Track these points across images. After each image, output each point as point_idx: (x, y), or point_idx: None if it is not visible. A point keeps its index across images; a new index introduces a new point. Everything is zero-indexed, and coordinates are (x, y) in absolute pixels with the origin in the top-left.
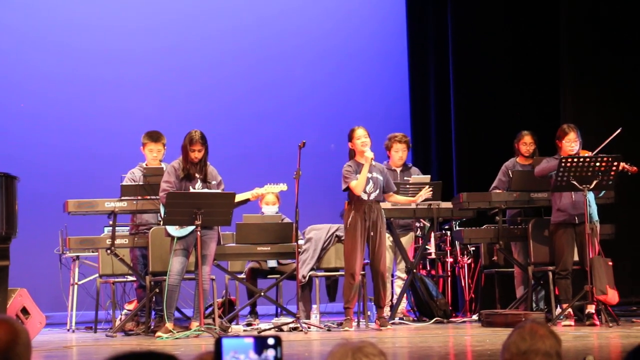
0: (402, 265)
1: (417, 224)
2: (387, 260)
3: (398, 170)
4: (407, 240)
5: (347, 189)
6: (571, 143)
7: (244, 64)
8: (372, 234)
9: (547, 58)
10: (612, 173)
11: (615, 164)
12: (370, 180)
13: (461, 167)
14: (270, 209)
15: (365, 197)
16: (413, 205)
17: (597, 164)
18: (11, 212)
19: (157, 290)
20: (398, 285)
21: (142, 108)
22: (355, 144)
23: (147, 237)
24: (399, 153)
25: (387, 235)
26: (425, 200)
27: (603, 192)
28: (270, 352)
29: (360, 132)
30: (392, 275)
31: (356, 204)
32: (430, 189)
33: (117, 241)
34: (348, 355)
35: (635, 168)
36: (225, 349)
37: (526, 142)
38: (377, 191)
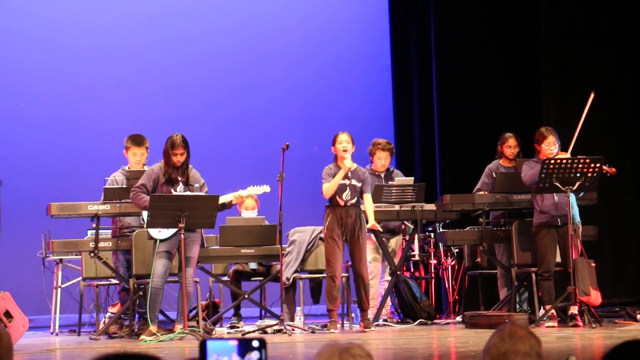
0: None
1: (402, 227)
2: (377, 265)
3: (382, 175)
4: (396, 243)
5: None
6: (550, 146)
7: (226, 66)
8: (350, 237)
9: (529, 59)
10: (594, 174)
11: (597, 165)
12: (348, 188)
13: (444, 169)
14: (249, 214)
15: (341, 202)
16: (396, 207)
17: (580, 165)
18: None
19: (140, 293)
20: (385, 289)
21: (123, 110)
22: (337, 148)
23: (130, 240)
24: (382, 160)
25: (373, 238)
26: (409, 202)
27: (582, 193)
28: (254, 355)
29: (343, 138)
30: (381, 278)
31: (333, 208)
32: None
33: (101, 244)
34: (335, 356)
35: (614, 169)
36: (209, 352)
37: (510, 145)
38: (355, 198)
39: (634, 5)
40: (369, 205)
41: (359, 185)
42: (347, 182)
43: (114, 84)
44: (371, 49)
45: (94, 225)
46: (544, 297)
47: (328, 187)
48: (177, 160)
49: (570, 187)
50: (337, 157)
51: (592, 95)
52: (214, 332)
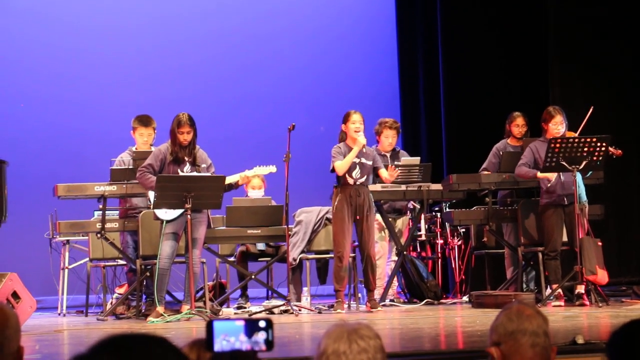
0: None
1: (409, 207)
2: (384, 244)
3: (388, 155)
4: (402, 223)
5: (334, 170)
6: (557, 126)
7: (232, 45)
8: (357, 217)
9: (535, 39)
10: (601, 154)
11: (603, 145)
12: (357, 166)
13: (451, 149)
14: (256, 193)
15: (351, 181)
16: (403, 187)
17: (587, 145)
18: (0, 197)
19: (147, 273)
20: (392, 269)
21: (129, 90)
22: (349, 127)
23: (137, 221)
24: (389, 139)
25: (380, 219)
26: (415, 182)
27: (590, 172)
28: (261, 335)
29: (356, 118)
30: (388, 258)
31: (343, 187)
32: (398, 170)
33: (108, 225)
34: (343, 336)
35: (620, 151)
36: (216, 332)
37: (518, 124)
38: (365, 177)
39: None
40: (385, 176)
41: (369, 163)
42: (357, 160)
43: (120, 64)
44: (378, 28)
45: (101, 206)
46: (551, 277)
47: (342, 164)
48: (184, 139)
49: (577, 166)
50: (346, 135)
51: (591, 110)
52: (220, 313)
